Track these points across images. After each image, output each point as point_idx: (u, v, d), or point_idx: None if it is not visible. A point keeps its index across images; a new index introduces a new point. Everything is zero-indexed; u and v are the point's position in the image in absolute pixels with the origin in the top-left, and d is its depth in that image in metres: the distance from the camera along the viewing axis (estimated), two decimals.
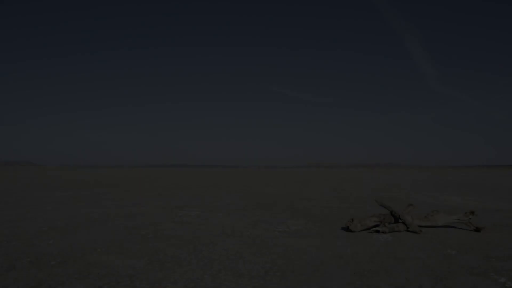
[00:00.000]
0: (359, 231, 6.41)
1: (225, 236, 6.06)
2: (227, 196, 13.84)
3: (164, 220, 7.73)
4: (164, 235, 6.19)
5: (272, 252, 4.97)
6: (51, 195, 14.08)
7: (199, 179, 30.50)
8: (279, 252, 4.97)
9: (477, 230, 6.45)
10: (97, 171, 78.12)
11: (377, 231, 6.25)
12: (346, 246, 5.34)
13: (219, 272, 4.06)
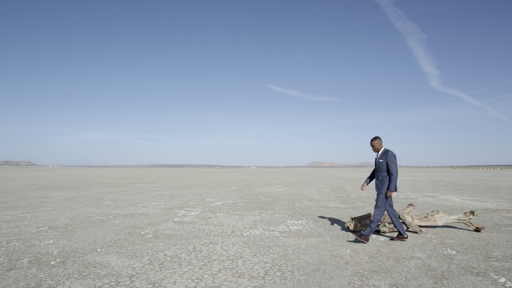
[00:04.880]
0: (359, 231, 6.41)
1: (225, 236, 6.06)
2: (227, 196, 13.84)
3: (164, 220, 7.73)
4: (164, 235, 6.18)
5: (272, 252, 4.98)
6: (51, 195, 14.08)
7: (199, 179, 30.48)
8: (279, 252, 4.98)
9: (477, 230, 6.45)
10: (97, 171, 78.11)
11: (377, 231, 6.25)
12: (346, 246, 5.34)
13: (219, 272, 4.07)
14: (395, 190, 5.69)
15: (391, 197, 5.84)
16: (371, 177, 6.20)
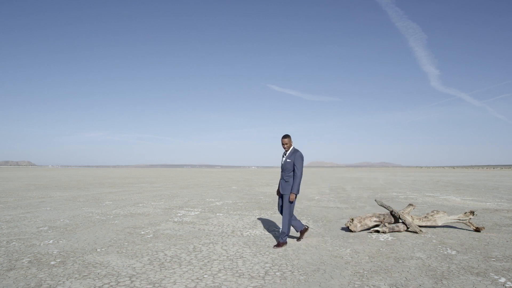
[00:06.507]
0: (359, 231, 6.42)
1: (225, 236, 6.06)
2: (227, 196, 13.84)
3: (164, 220, 7.73)
4: (164, 235, 6.19)
5: (272, 252, 4.98)
6: (51, 195, 14.08)
7: (199, 179, 30.48)
8: (279, 252, 4.98)
9: (477, 230, 6.45)
10: (97, 171, 78.10)
11: (377, 231, 6.25)
12: (346, 246, 5.34)
13: (219, 272, 4.07)
14: (298, 192, 5.41)
15: (280, 202, 5.58)
16: None
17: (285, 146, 5.52)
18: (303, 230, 5.75)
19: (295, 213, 5.56)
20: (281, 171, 5.58)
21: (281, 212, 5.56)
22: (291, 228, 5.90)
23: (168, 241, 5.67)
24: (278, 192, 5.67)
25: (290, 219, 5.45)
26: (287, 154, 5.51)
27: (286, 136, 5.50)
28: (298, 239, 5.70)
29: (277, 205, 5.66)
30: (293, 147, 5.56)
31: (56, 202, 11.32)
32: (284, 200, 5.45)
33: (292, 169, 5.43)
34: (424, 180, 28.44)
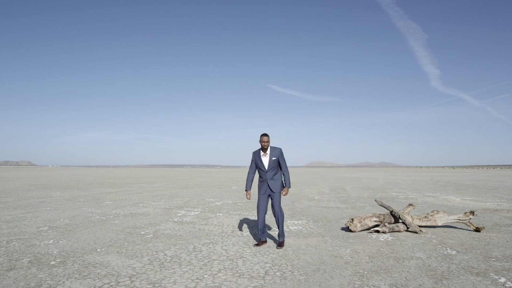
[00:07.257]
0: (359, 231, 6.42)
1: (225, 236, 6.06)
2: (227, 196, 13.84)
3: (164, 220, 7.73)
4: (164, 235, 6.19)
5: (272, 252, 4.98)
6: (51, 195, 14.08)
7: (199, 179, 30.48)
8: (279, 252, 4.98)
9: (477, 230, 6.45)
10: (97, 171, 78.09)
11: (377, 231, 6.25)
12: (346, 246, 5.34)
13: (219, 272, 4.07)
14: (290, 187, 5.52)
15: (265, 202, 5.45)
16: (252, 181, 5.64)
17: (266, 144, 5.46)
18: (264, 242, 5.50)
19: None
20: (265, 172, 5.43)
21: (261, 213, 5.47)
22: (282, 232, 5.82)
23: (168, 241, 5.67)
24: (251, 195, 5.55)
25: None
26: (268, 153, 5.47)
27: (267, 135, 5.49)
28: (256, 245, 5.45)
29: (257, 208, 5.56)
30: (270, 145, 5.55)
31: (56, 202, 11.32)
32: (275, 199, 5.40)
33: (277, 167, 5.47)
34: (424, 180, 28.44)
